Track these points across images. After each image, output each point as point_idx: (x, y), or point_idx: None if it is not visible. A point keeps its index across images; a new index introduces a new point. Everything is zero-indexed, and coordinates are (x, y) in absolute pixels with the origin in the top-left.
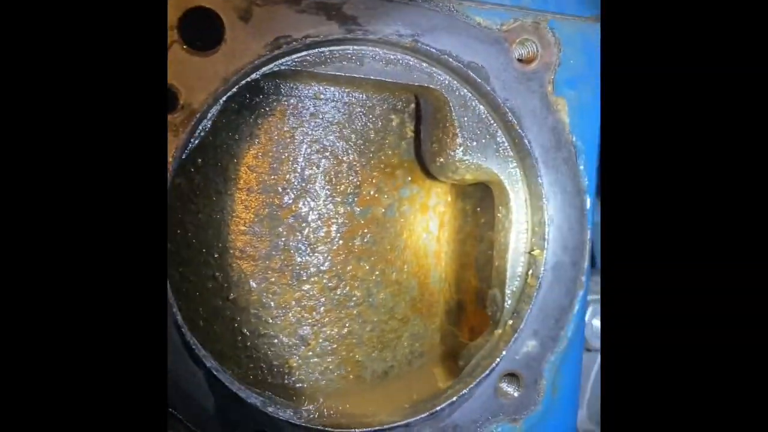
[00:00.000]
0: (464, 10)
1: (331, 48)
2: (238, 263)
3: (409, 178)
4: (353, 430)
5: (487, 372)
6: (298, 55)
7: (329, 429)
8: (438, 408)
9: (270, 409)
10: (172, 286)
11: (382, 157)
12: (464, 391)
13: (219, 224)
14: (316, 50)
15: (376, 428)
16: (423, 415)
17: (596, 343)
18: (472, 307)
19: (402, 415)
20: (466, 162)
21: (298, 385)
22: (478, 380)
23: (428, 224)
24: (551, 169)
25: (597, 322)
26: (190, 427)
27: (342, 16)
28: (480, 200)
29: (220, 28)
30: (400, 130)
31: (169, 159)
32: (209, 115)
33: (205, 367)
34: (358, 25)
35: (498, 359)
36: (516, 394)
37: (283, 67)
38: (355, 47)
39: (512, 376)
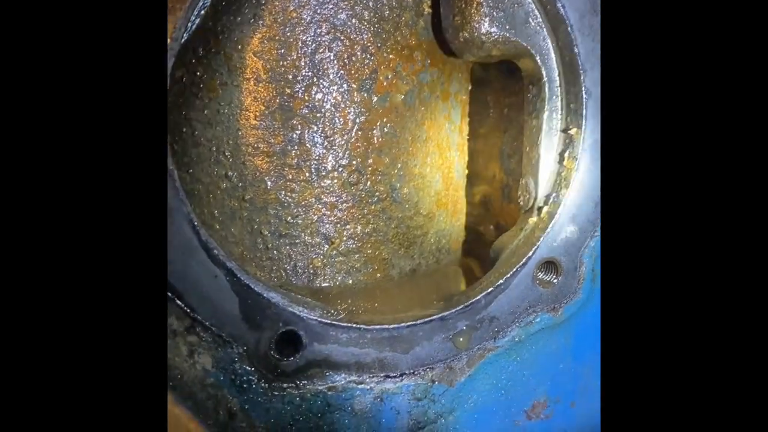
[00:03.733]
0: None
1: None
2: (251, 160)
3: (429, 61)
4: (386, 325)
5: (524, 260)
6: None
7: (362, 325)
8: (474, 300)
9: (298, 309)
10: (184, 188)
11: (399, 38)
12: (500, 281)
13: (227, 119)
14: None
15: (410, 323)
16: (459, 308)
17: None
18: (497, 203)
19: (437, 308)
20: (493, 35)
21: (324, 284)
22: (514, 269)
23: (450, 113)
24: (587, 37)
25: None
26: (215, 331)
27: None
28: (503, 87)
29: None
30: (417, 6)
31: (168, 41)
32: None
33: (225, 267)
34: None
35: (535, 246)
36: (555, 282)
37: None
38: None
39: (550, 264)
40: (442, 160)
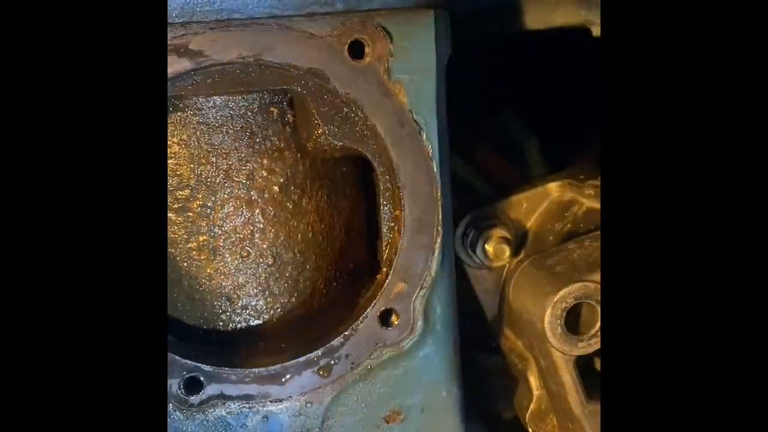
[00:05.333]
0: (296, 25)
1: (193, 76)
2: (168, 251)
3: (299, 155)
4: (264, 368)
5: (369, 310)
6: (169, 86)
7: (246, 369)
8: (331, 343)
9: (196, 360)
10: None
11: (269, 144)
12: (352, 326)
13: None
14: (181, 81)
15: (283, 363)
16: (320, 350)
17: (489, 262)
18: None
19: (307, 350)
20: (332, 145)
21: (229, 329)
22: (362, 317)
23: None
24: (397, 143)
25: (489, 247)
26: None
27: (190, 52)
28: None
29: None
30: (282, 118)
31: None
32: None
33: None
34: (206, 57)
35: (374, 299)
36: (395, 324)
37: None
38: (212, 69)
39: (390, 312)
40: (323, 225)
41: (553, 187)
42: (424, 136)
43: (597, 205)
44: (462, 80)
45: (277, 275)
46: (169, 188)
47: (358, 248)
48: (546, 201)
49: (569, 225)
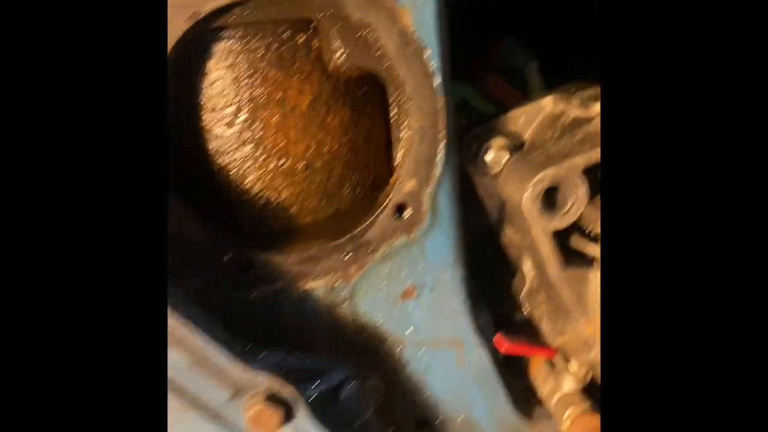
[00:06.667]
0: None
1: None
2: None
3: (324, 77)
4: (301, 252)
5: (384, 205)
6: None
7: (286, 254)
8: (353, 233)
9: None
10: None
11: (298, 67)
12: (369, 220)
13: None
14: (224, 14)
15: (315, 249)
16: (344, 238)
17: (490, 170)
18: None
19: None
20: (350, 65)
21: (275, 227)
22: (378, 211)
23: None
24: (403, 60)
25: (489, 155)
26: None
27: None
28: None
29: None
30: (308, 44)
31: None
32: None
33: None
34: None
35: (389, 195)
36: (406, 217)
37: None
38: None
39: (402, 205)
40: (346, 138)
41: (547, 101)
42: (427, 55)
43: (582, 113)
44: (469, 9)
45: (309, 180)
46: (218, 107)
47: (378, 158)
48: (541, 114)
49: (558, 132)
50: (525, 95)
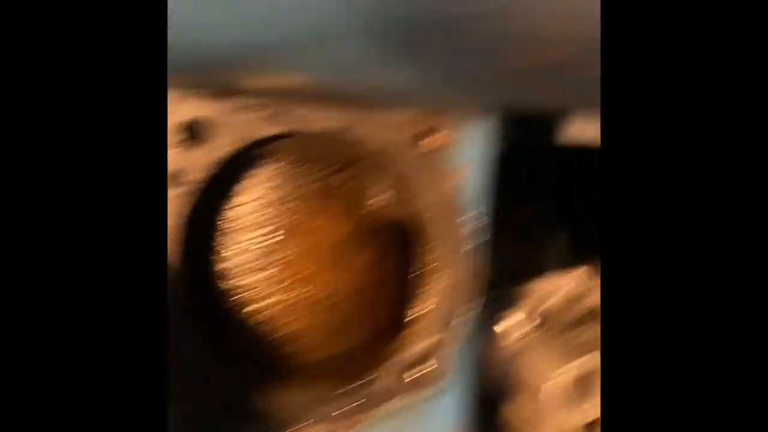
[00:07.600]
0: (378, 106)
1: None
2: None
3: (357, 217)
4: None
5: (392, 360)
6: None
7: None
8: (360, 382)
9: None
10: None
11: (334, 204)
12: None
13: None
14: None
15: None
16: (349, 386)
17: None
18: None
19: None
20: (389, 212)
21: None
22: (387, 363)
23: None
24: (441, 219)
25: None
26: None
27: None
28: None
29: None
30: (352, 181)
31: None
32: None
33: None
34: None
35: (401, 351)
36: (415, 377)
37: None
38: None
39: (413, 364)
40: (369, 277)
41: (570, 278)
42: (467, 218)
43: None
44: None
45: (327, 313)
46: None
47: (394, 306)
48: (563, 290)
49: (579, 314)
50: (549, 265)
